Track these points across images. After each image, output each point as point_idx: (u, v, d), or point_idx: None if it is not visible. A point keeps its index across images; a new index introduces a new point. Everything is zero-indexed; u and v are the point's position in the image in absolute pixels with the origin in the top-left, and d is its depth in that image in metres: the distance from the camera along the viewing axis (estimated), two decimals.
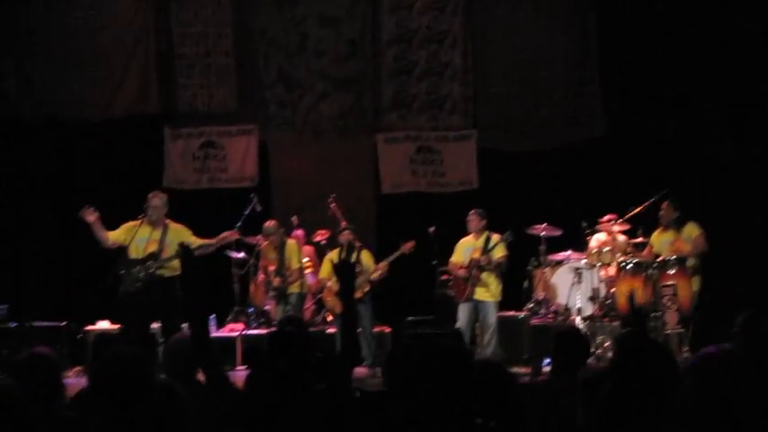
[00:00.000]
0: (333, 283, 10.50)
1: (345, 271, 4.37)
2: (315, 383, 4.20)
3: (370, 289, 10.72)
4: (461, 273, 10.57)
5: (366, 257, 10.77)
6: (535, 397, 4.76)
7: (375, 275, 10.66)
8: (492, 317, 10.40)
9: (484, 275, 10.46)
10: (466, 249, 10.67)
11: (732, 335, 4.77)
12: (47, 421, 3.86)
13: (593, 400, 3.24)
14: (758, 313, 4.76)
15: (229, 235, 9.82)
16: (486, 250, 10.49)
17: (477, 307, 10.48)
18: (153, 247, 9.40)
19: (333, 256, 10.80)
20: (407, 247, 10.56)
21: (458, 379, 3.62)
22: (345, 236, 10.74)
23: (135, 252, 9.34)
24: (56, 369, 4.24)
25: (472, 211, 10.73)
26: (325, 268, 10.78)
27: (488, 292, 10.47)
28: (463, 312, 10.50)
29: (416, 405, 3.55)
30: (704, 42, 12.13)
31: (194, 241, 9.49)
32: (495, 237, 10.59)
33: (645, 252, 10.68)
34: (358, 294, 10.47)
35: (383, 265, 10.68)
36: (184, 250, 4.60)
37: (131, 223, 9.50)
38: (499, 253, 10.54)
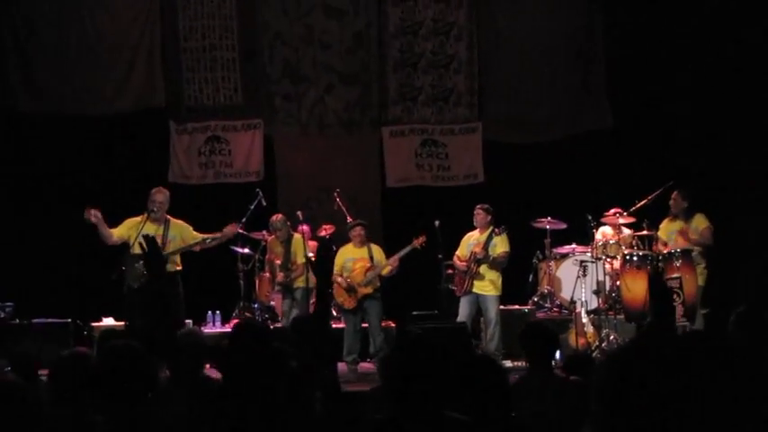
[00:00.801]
0: (342, 279, 10.48)
1: (321, 267, 4.33)
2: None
3: (381, 285, 10.65)
4: (461, 266, 10.56)
5: (377, 253, 10.66)
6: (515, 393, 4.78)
7: (386, 271, 10.59)
8: (492, 311, 10.36)
9: (482, 269, 10.42)
10: (470, 244, 10.64)
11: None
12: (72, 423, 3.89)
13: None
14: (751, 308, 4.76)
15: (231, 229, 9.78)
16: (487, 246, 10.45)
17: (478, 301, 10.46)
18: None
19: (346, 251, 10.75)
20: (419, 242, 10.48)
21: (450, 374, 3.62)
22: (358, 231, 10.64)
23: (138, 248, 9.33)
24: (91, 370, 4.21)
25: (478, 207, 10.66)
26: (338, 263, 10.72)
27: (487, 286, 10.42)
28: (464, 306, 10.48)
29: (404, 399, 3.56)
30: (712, 33, 12.08)
31: (196, 236, 9.55)
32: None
33: (655, 246, 10.62)
34: (368, 290, 10.44)
35: (394, 259, 10.55)
36: (148, 240, 4.62)
37: (134, 219, 9.52)
38: (500, 248, 10.48)
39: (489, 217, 10.59)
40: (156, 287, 4.34)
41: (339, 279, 10.47)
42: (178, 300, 9.21)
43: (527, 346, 5.34)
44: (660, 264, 10.26)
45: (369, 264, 10.47)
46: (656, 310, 4.04)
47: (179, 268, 9.51)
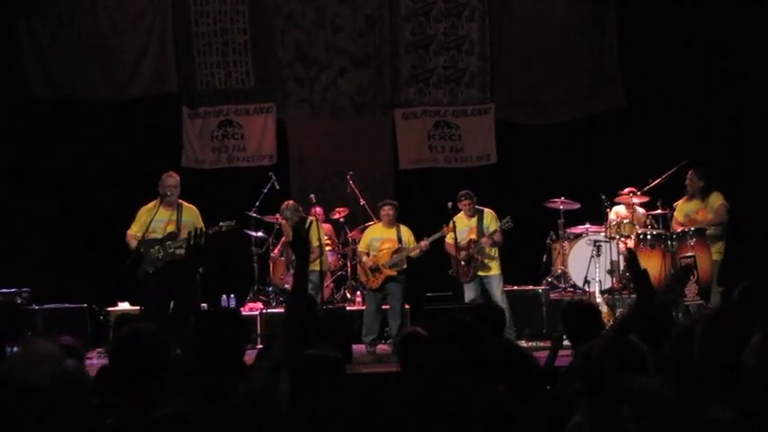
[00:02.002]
0: (368, 258, 10.49)
1: (299, 240, 4.25)
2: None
3: (406, 267, 10.60)
4: (462, 256, 10.46)
5: (406, 234, 10.63)
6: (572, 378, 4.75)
7: (414, 253, 10.56)
8: (498, 291, 10.33)
9: (484, 255, 10.39)
10: (461, 230, 10.48)
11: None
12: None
13: None
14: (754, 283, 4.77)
15: (227, 225, 9.77)
16: (481, 230, 10.38)
17: (483, 283, 10.43)
18: (171, 227, 9.46)
19: (374, 230, 10.76)
20: (448, 229, 10.44)
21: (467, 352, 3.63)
22: (387, 210, 10.61)
23: (153, 233, 9.39)
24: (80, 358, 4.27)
25: (463, 194, 10.53)
26: (364, 241, 10.74)
27: (489, 267, 10.41)
28: (470, 290, 10.40)
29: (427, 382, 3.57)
30: (726, 11, 11.99)
31: (201, 225, 9.56)
32: (488, 212, 10.50)
33: (673, 225, 10.57)
34: (393, 272, 10.41)
35: (426, 243, 10.51)
36: (197, 234, 4.62)
37: (146, 207, 9.55)
38: (493, 227, 10.44)
39: (474, 201, 10.54)
40: (183, 272, 4.32)
41: (365, 258, 10.48)
42: (195, 285, 9.22)
43: (571, 325, 5.28)
44: (674, 243, 10.24)
45: (396, 245, 10.45)
46: (637, 292, 4.05)
47: None
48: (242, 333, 4.17)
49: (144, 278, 9.39)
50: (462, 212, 10.59)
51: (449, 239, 10.59)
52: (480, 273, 10.41)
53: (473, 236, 10.41)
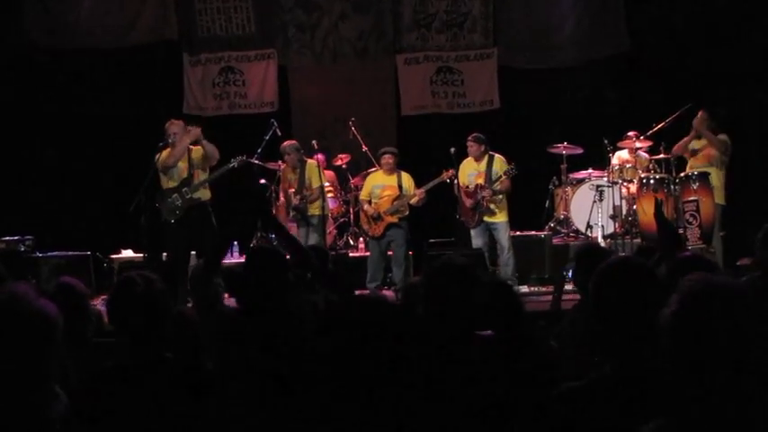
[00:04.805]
0: (369, 207, 10.49)
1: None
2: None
3: (408, 214, 10.60)
4: (468, 203, 10.43)
5: (406, 181, 10.56)
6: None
7: (414, 201, 10.54)
8: (505, 237, 10.29)
9: (491, 203, 10.35)
10: (469, 174, 10.42)
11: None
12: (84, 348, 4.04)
13: None
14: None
15: (239, 161, 9.76)
16: (489, 175, 10.29)
17: (489, 229, 10.41)
18: (184, 174, 9.43)
19: (375, 177, 10.73)
20: (448, 174, 10.38)
21: (465, 295, 3.63)
22: (387, 159, 10.56)
23: (169, 181, 9.35)
24: (84, 298, 4.33)
25: (470, 138, 10.42)
26: (366, 189, 10.72)
27: (496, 213, 10.33)
28: (477, 236, 10.40)
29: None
30: None
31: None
32: (499, 158, 10.37)
33: (675, 148, 10.51)
34: (394, 219, 10.40)
35: (422, 191, 10.46)
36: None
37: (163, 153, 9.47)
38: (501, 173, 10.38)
39: (482, 146, 10.42)
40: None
41: (366, 206, 10.48)
42: (213, 229, 9.19)
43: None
44: (677, 187, 10.22)
45: (397, 192, 10.43)
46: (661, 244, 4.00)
47: (210, 197, 9.53)
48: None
49: (165, 226, 9.31)
50: (471, 157, 10.53)
51: (461, 181, 10.55)
52: (486, 219, 10.36)
53: (480, 180, 10.33)
